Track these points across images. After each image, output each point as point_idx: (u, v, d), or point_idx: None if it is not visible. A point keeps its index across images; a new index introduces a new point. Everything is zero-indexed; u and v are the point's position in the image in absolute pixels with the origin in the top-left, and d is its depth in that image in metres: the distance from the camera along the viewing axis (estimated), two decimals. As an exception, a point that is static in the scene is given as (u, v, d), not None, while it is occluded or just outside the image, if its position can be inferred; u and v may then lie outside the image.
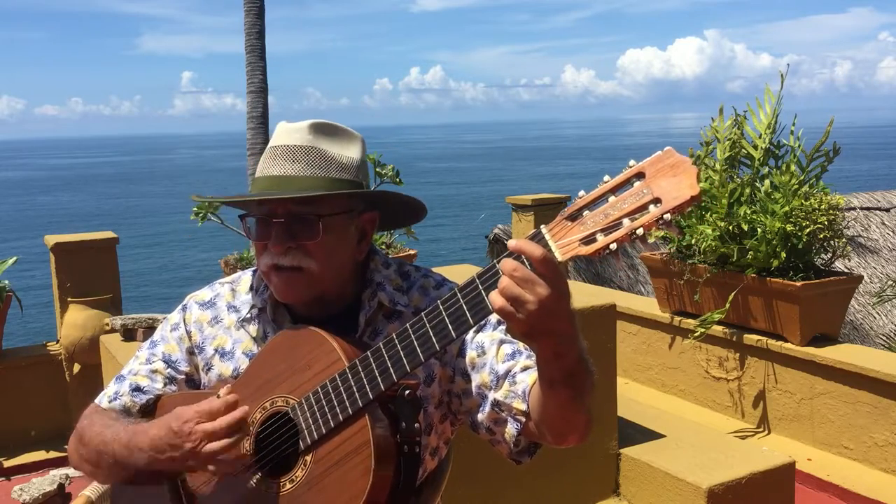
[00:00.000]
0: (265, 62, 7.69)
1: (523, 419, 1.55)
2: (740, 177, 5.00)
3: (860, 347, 4.83)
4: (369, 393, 1.43)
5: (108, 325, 4.17)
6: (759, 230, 4.64)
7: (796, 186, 4.67)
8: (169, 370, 1.71)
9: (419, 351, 1.39)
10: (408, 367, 1.41)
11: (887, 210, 8.64)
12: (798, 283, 4.50)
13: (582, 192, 1.28)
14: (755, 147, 4.92)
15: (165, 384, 1.71)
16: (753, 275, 4.67)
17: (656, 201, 1.21)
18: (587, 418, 1.46)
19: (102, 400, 1.73)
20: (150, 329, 3.83)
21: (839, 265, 5.60)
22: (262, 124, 7.53)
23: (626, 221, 1.22)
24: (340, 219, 1.58)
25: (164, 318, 1.80)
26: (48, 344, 5.34)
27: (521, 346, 1.61)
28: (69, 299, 5.13)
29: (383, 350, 1.43)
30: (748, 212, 4.75)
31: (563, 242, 1.26)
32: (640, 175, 1.24)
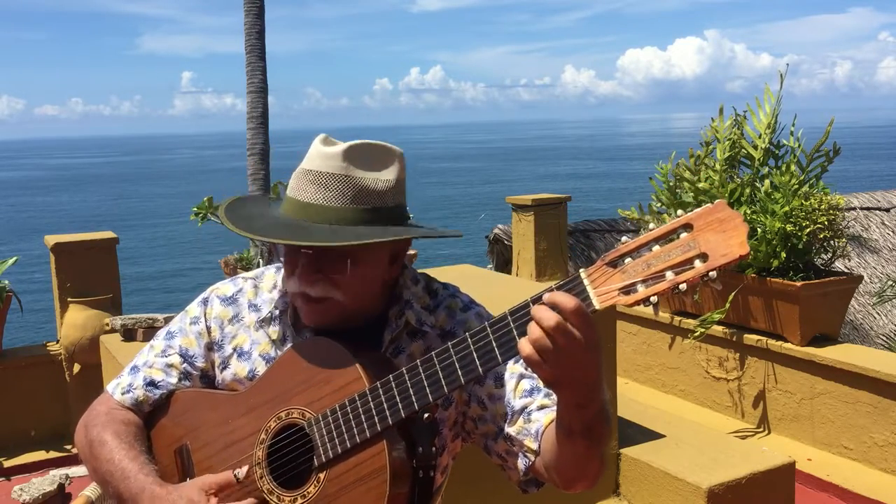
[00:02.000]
0: (265, 62, 7.69)
1: (532, 457, 1.54)
2: (740, 177, 5.00)
3: (860, 347, 4.83)
4: (389, 418, 1.41)
5: (108, 325, 4.17)
6: (759, 230, 4.64)
7: (796, 186, 4.67)
8: (185, 365, 1.68)
9: (443, 383, 1.38)
10: (431, 398, 1.39)
11: (887, 210, 8.64)
12: (798, 283, 4.50)
13: (625, 238, 1.25)
14: (755, 147, 4.92)
15: (180, 379, 1.68)
16: (753, 275, 4.67)
17: (703, 256, 1.18)
18: (599, 467, 1.45)
19: (115, 391, 1.69)
20: (150, 329, 3.83)
21: (839, 265, 5.60)
22: (262, 124, 7.53)
23: (669, 274, 1.20)
24: (371, 249, 1.53)
25: (184, 311, 1.75)
26: (48, 344, 5.33)
27: (540, 382, 1.56)
28: (69, 299, 5.13)
29: (406, 376, 1.41)
30: (748, 212, 4.75)
31: (602, 290, 1.24)
32: (687, 226, 1.21)
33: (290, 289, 1.57)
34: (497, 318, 1.33)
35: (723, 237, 1.18)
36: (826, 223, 4.54)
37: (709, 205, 1.21)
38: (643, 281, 1.21)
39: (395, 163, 1.57)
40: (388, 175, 1.55)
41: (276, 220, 1.55)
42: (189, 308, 1.74)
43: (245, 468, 1.52)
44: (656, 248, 1.22)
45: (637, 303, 1.22)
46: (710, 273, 1.18)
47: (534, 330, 1.24)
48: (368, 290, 1.57)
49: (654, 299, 1.21)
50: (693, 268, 1.19)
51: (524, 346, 1.26)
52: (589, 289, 1.25)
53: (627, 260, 1.23)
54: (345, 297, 1.53)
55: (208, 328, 1.69)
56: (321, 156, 1.53)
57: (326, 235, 1.47)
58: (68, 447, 4.79)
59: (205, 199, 4.71)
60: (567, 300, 1.23)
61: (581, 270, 1.26)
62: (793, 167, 4.75)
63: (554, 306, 1.24)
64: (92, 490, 3.46)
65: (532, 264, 7.25)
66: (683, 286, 1.19)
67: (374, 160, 1.54)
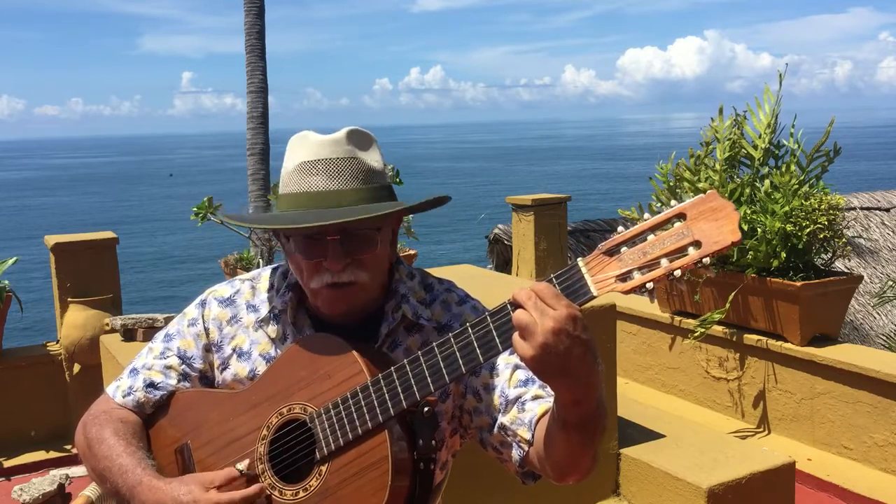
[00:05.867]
0: (265, 62, 7.70)
1: (526, 447, 1.55)
2: (740, 177, 5.00)
3: (860, 347, 4.83)
4: (391, 409, 1.42)
5: (108, 325, 4.17)
6: (759, 230, 4.64)
7: (796, 186, 4.66)
8: (183, 366, 1.69)
9: (445, 372, 1.39)
10: (432, 388, 1.41)
11: (887, 210, 8.64)
12: (798, 283, 4.50)
13: (621, 228, 1.29)
14: (755, 147, 4.92)
15: (179, 380, 1.69)
16: (753, 275, 4.67)
17: (696, 244, 1.22)
18: (592, 461, 1.47)
19: (116, 394, 1.70)
20: (150, 329, 3.83)
21: (839, 265, 5.60)
22: (262, 124, 7.54)
23: (664, 261, 1.23)
24: (386, 227, 1.59)
25: (181, 313, 1.76)
26: (48, 344, 5.34)
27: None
28: (69, 299, 5.13)
29: (408, 368, 1.42)
30: (748, 212, 4.75)
31: (600, 278, 1.27)
32: (681, 216, 1.24)
33: (316, 284, 1.56)
34: (497, 308, 1.35)
35: (715, 225, 1.22)
36: (826, 223, 4.54)
37: (702, 195, 1.25)
38: (639, 268, 1.25)
39: (377, 145, 1.64)
40: (378, 156, 1.61)
41: (296, 214, 1.53)
42: (187, 310, 1.75)
43: (246, 461, 1.52)
44: (651, 237, 1.26)
45: (633, 289, 1.25)
46: (704, 259, 1.22)
47: (516, 313, 1.27)
48: (383, 270, 1.62)
49: (649, 286, 1.24)
50: (687, 255, 1.23)
51: (515, 314, 1.28)
52: (587, 276, 1.28)
53: (624, 249, 1.27)
54: (369, 277, 1.57)
55: (206, 330, 1.70)
56: (322, 144, 1.56)
57: (356, 214, 1.50)
58: (68, 447, 4.79)
59: (205, 199, 4.71)
60: (540, 286, 1.27)
61: (579, 259, 1.30)
62: (793, 167, 4.75)
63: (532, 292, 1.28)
64: (92, 490, 3.46)
65: (532, 264, 7.25)
66: (678, 272, 1.23)
67: (365, 143, 1.60)
